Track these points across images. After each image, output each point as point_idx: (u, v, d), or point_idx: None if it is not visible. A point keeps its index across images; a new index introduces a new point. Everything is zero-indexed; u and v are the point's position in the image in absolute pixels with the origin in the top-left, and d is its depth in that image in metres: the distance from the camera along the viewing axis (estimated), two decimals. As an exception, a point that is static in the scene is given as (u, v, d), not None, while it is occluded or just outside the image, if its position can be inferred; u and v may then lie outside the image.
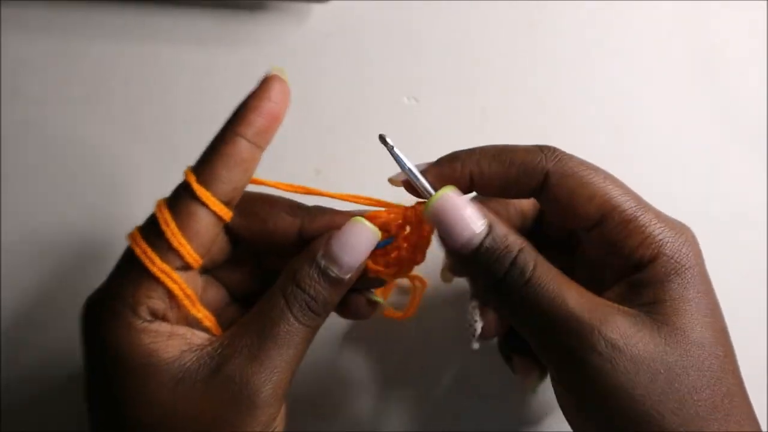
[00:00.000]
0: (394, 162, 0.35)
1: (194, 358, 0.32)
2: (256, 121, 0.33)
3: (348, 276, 0.34)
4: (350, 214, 0.35)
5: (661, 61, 0.51)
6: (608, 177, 0.33)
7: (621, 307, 0.32)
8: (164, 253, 0.32)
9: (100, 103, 0.49)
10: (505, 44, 0.51)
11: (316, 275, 0.33)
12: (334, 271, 0.33)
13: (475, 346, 0.39)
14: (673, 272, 0.32)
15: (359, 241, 0.34)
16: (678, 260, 0.32)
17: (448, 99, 0.50)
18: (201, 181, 0.32)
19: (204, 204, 0.32)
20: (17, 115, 0.48)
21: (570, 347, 0.30)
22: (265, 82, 0.33)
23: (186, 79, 0.49)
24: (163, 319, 0.32)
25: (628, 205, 0.33)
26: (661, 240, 0.32)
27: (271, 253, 0.38)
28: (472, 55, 0.51)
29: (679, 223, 0.34)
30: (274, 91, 0.33)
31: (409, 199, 0.36)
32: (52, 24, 0.49)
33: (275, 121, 0.33)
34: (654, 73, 0.51)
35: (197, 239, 0.32)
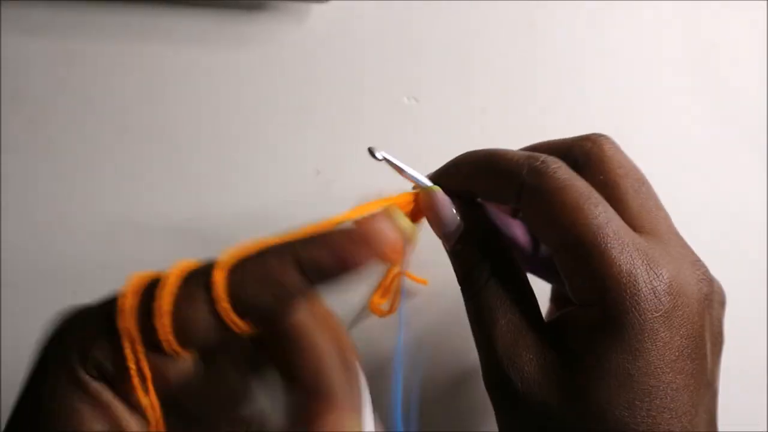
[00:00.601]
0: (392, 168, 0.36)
1: None
2: (324, 257, 0.26)
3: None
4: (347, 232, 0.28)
5: (660, 61, 0.51)
6: (588, 201, 0.30)
7: (542, 347, 0.30)
8: (143, 320, 0.26)
9: (100, 103, 0.49)
10: (505, 44, 0.51)
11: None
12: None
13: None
14: (608, 324, 0.28)
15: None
16: (618, 311, 0.28)
17: (448, 99, 0.50)
18: (225, 277, 0.26)
19: (211, 300, 0.26)
20: (17, 115, 0.48)
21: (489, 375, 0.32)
22: (374, 229, 0.26)
23: (186, 79, 0.49)
24: (111, 382, 0.26)
25: (589, 237, 0.29)
26: (609, 284, 0.28)
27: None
28: (472, 55, 0.51)
29: (683, 266, 0.30)
30: (385, 245, 0.26)
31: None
32: (52, 24, 0.49)
33: (345, 271, 0.26)
34: (654, 73, 0.51)
35: (186, 328, 0.26)
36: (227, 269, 0.26)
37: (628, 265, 0.29)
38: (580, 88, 0.51)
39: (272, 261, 0.26)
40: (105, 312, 0.27)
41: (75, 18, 0.49)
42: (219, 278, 0.26)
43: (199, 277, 0.26)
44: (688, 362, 0.29)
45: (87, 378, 0.26)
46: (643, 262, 0.29)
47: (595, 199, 0.30)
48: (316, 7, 0.50)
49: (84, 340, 0.26)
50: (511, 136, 0.50)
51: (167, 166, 0.48)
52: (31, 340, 0.47)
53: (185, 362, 0.28)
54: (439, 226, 0.34)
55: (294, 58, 0.50)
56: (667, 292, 0.29)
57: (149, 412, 0.27)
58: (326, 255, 0.25)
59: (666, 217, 0.36)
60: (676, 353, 0.29)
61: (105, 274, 0.47)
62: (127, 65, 0.49)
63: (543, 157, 0.32)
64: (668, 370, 0.28)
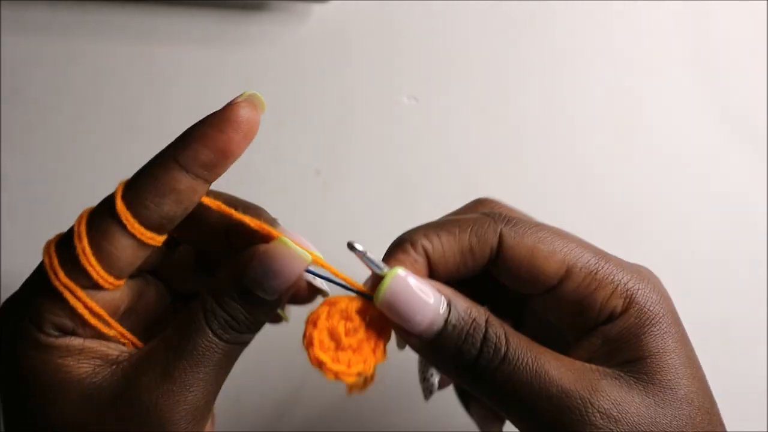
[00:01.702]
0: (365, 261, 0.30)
1: (107, 374, 0.29)
2: (202, 152, 0.29)
3: (275, 297, 0.30)
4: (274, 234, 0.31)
5: (661, 61, 0.51)
6: (560, 233, 0.31)
7: (603, 369, 0.30)
8: (72, 269, 0.29)
9: (100, 103, 0.49)
10: (505, 44, 0.51)
11: (236, 295, 0.30)
12: (259, 294, 0.30)
13: (429, 398, 0.36)
14: (648, 323, 0.30)
15: (287, 268, 0.29)
16: (650, 309, 0.30)
17: (448, 99, 0.50)
18: (127, 202, 0.29)
19: (124, 227, 0.29)
20: (17, 115, 0.48)
21: (562, 424, 0.28)
22: (227, 109, 0.29)
23: (186, 79, 0.49)
24: (74, 334, 0.30)
25: (588, 256, 0.31)
26: (630, 289, 0.30)
27: (203, 248, 0.35)
28: (472, 55, 0.50)
29: (641, 268, 0.32)
30: (233, 124, 0.29)
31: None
32: (52, 24, 0.49)
33: (226, 157, 0.29)
34: (654, 73, 0.51)
35: (112, 260, 0.29)
36: (123, 194, 0.29)
37: (627, 269, 0.31)
38: (580, 87, 0.51)
39: (158, 172, 0.29)
40: (36, 281, 0.30)
41: (75, 18, 0.49)
42: (121, 206, 0.29)
43: (104, 212, 0.29)
44: None
45: (51, 339, 0.29)
46: (634, 267, 0.32)
47: (559, 229, 0.32)
48: (316, 7, 0.50)
49: (33, 312, 0.29)
50: (512, 137, 0.50)
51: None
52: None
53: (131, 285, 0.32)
54: (419, 315, 0.29)
55: (294, 58, 0.50)
56: (662, 285, 0.32)
57: (121, 339, 0.31)
58: (202, 149, 0.29)
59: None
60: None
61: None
62: (127, 65, 0.49)
63: (495, 210, 0.33)
64: (689, 344, 0.32)
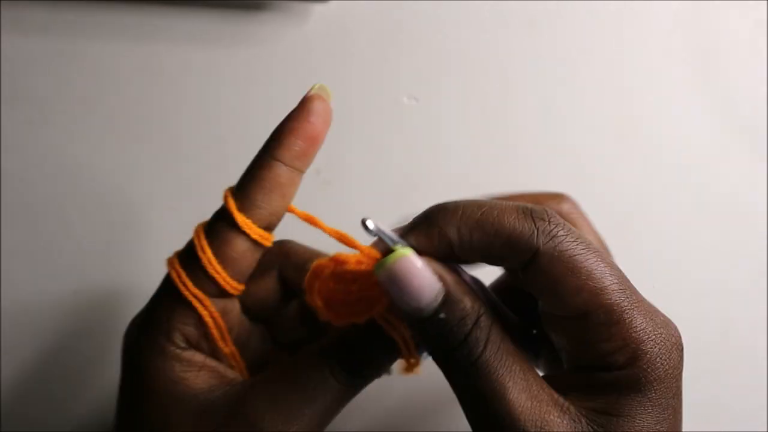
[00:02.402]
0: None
1: (221, 394, 0.31)
2: (295, 144, 0.32)
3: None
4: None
5: (661, 61, 0.51)
6: (604, 261, 0.29)
7: (568, 407, 0.28)
8: (199, 279, 0.31)
9: (100, 103, 0.49)
10: (505, 44, 0.51)
11: (358, 336, 0.31)
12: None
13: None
14: (640, 384, 0.28)
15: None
16: (651, 372, 0.28)
17: (448, 99, 0.50)
18: (241, 208, 0.32)
19: (242, 231, 0.31)
20: (17, 115, 0.48)
21: None
22: (305, 102, 0.32)
23: (186, 79, 0.49)
24: (197, 348, 0.32)
25: (617, 302, 0.28)
26: (640, 349, 0.28)
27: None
28: (472, 55, 0.51)
29: (666, 323, 0.29)
30: (315, 113, 0.32)
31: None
32: (52, 24, 0.49)
33: (315, 143, 0.32)
34: (654, 73, 0.51)
35: (234, 266, 0.32)
36: (236, 201, 0.32)
37: (651, 327, 0.28)
38: (580, 87, 0.51)
39: (262, 173, 0.32)
40: (165, 295, 0.32)
41: (75, 18, 0.49)
42: (238, 213, 0.31)
43: (220, 222, 0.32)
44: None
45: (178, 351, 0.31)
46: (661, 324, 0.29)
47: (611, 261, 0.29)
48: (316, 7, 0.50)
49: (163, 323, 0.31)
50: (512, 137, 0.50)
51: (167, 165, 0.48)
52: (31, 338, 0.47)
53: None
54: (414, 297, 0.28)
55: (294, 58, 0.50)
56: (680, 352, 0.29)
57: (232, 361, 0.33)
58: (294, 141, 0.32)
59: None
60: (680, 404, 0.30)
61: (105, 274, 0.47)
62: (127, 65, 0.49)
63: (550, 216, 0.29)
64: (678, 423, 0.30)
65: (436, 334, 0.29)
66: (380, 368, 0.32)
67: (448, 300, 0.28)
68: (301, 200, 0.46)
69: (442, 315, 0.28)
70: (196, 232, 0.32)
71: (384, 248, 0.29)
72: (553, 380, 0.30)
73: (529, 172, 0.50)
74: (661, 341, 0.28)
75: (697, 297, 0.48)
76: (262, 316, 0.37)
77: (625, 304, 0.28)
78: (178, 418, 0.30)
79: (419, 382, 0.47)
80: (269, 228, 0.33)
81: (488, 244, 0.28)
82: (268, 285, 0.36)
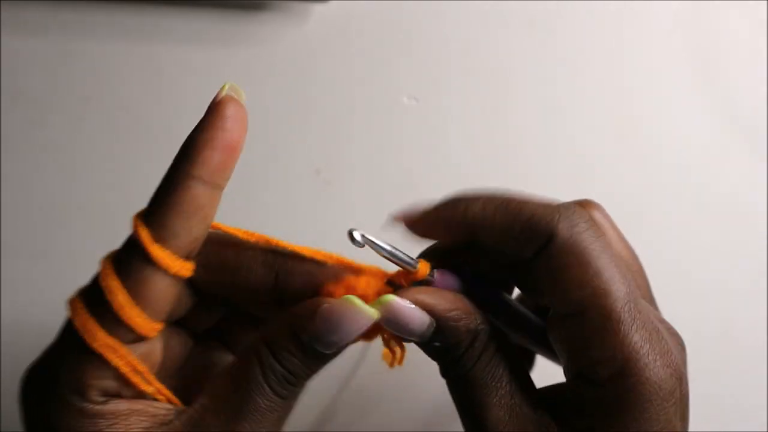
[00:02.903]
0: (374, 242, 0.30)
1: None
2: (212, 157, 0.27)
3: (332, 351, 0.29)
4: (330, 270, 0.30)
5: (661, 61, 0.51)
6: (618, 267, 0.28)
7: (544, 426, 0.28)
8: (111, 326, 0.27)
9: (100, 103, 0.49)
10: (505, 44, 0.51)
11: (295, 349, 0.28)
12: (320, 349, 0.28)
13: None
14: (627, 405, 0.27)
15: (353, 327, 0.28)
16: (638, 393, 0.27)
17: (448, 99, 0.50)
18: (157, 239, 0.27)
19: (159, 267, 0.27)
20: (17, 115, 0.48)
21: None
22: (217, 107, 0.28)
23: (186, 79, 0.49)
24: (119, 395, 0.28)
25: (617, 310, 0.27)
26: (630, 366, 0.27)
27: (243, 305, 0.33)
28: (472, 55, 0.50)
29: (667, 351, 0.28)
30: (230, 118, 0.28)
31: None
32: (52, 24, 0.49)
33: (234, 152, 0.28)
34: (654, 73, 0.51)
35: (152, 306, 0.27)
36: (151, 231, 0.27)
37: (647, 349, 0.27)
38: (580, 87, 0.51)
39: (179, 195, 0.27)
40: (69, 345, 0.28)
41: (75, 18, 0.49)
42: (154, 246, 0.27)
43: (133, 257, 0.27)
44: None
45: (97, 407, 0.27)
46: (659, 347, 0.28)
47: (625, 269, 0.28)
48: (316, 7, 0.50)
49: (73, 379, 0.27)
50: (512, 137, 0.50)
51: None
52: (31, 340, 0.47)
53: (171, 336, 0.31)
54: (406, 334, 0.29)
55: (294, 58, 0.50)
56: (679, 381, 0.28)
57: (159, 397, 0.29)
58: (211, 153, 0.27)
59: (647, 280, 0.35)
60: None
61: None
62: (127, 65, 0.49)
63: (575, 209, 0.28)
64: None
65: (434, 356, 0.30)
66: (313, 376, 0.29)
67: (440, 329, 0.28)
68: (301, 200, 0.47)
69: (436, 344, 0.29)
70: (103, 267, 0.28)
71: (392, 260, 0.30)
72: (551, 393, 0.30)
73: (529, 172, 0.50)
74: (655, 364, 0.27)
75: (697, 297, 0.48)
76: (172, 321, 0.32)
77: (626, 315, 0.27)
78: None
79: (419, 382, 0.47)
80: (189, 257, 0.28)
81: (510, 223, 0.28)
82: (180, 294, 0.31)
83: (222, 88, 0.29)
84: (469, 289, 0.31)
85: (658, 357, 0.27)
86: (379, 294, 0.30)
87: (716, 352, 0.47)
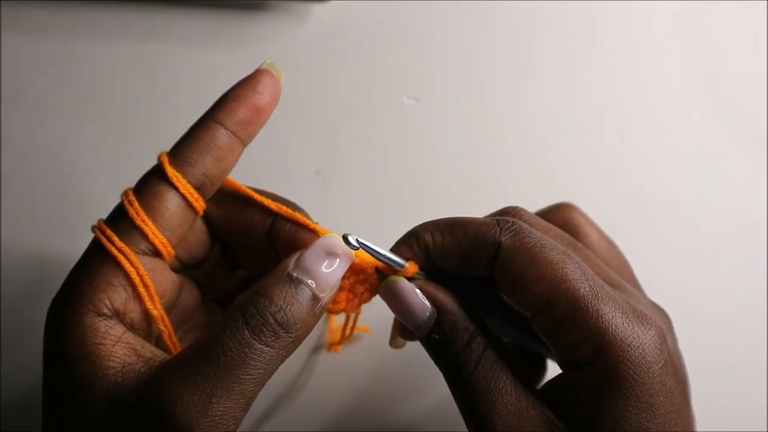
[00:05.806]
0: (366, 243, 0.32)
1: (135, 376, 0.28)
2: (238, 110, 0.31)
3: (324, 294, 0.30)
4: (320, 231, 0.33)
5: (661, 61, 0.51)
6: (569, 256, 0.29)
7: (550, 425, 0.29)
8: (126, 234, 0.30)
9: (100, 103, 0.49)
10: (504, 44, 0.51)
11: (288, 288, 0.29)
12: (311, 286, 0.29)
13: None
14: (613, 382, 0.27)
15: (337, 259, 0.30)
16: (621, 367, 0.27)
17: (448, 99, 0.50)
18: (171, 163, 0.31)
19: (172, 185, 0.30)
20: (17, 115, 0.48)
21: None
22: (255, 75, 0.32)
23: (186, 79, 0.49)
24: (120, 318, 0.29)
25: (579, 290, 0.28)
26: (606, 340, 0.27)
27: (246, 252, 0.36)
28: (472, 55, 0.51)
29: (643, 316, 0.29)
30: (262, 84, 0.32)
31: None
32: (52, 24, 0.49)
33: (259, 114, 0.32)
34: (654, 73, 0.51)
35: (164, 220, 0.30)
36: (169, 157, 0.31)
37: (620, 319, 0.28)
38: (579, 88, 0.51)
39: (199, 132, 0.31)
40: (87, 257, 0.30)
41: (75, 18, 0.49)
42: (168, 166, 0.30)
43: (150, 176, 0.31)
44: (689, 408, 0.30)
45: (95, 319, 0.29)
46: (632, 314, 0.29)
47: (573, 255, 0.30)
48: (316, 7, 0.50)
49: (86, 285, 0.29)
50: (512, 136, 0.50)
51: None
52: (31, 338, 0.47)
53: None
54: (407, 317, 0.31)
55: (294, 58, 0.50)
56: (662, 341, 0.29)
57: (160, 324, 0.31)
58: (238, 107, 0.31)
59: (628, 266, 0.37)
60: (682, 400, 0.29)
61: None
62: (127, 65, 0.49)
63: (513, 219, 0.31)
64: (680, 420, 0.29)
65: (433, 351, 0.31)
66: (308, 328, 0.30)
67: (440, 322, 0.30)
68: (300, 200, 0.47)
69: (435, 336, 0.30)
70: (125, 191, 0.31)
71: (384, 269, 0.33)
72: (549, 390, 0.30)
73: (529, 172, 0.50)
74: (632, 333, 0.28)
75: (697, 297, 0.48)
76: (191, 264, 0.35)
77: (587, 292, 0.28)
78: (90, 406, 0.28)
79: (420, 382, 0.47)
80: (201, 190, 0.31)
81: (457, 243, 0.30)
82: (196, 227, 0.34)
83: (264, 62, 0.33)
84: (462, 288, 0.32)
85: (634, 323, 0.28)
86: (370, 279, 0.33)
87: (716, 352, 0.47)
